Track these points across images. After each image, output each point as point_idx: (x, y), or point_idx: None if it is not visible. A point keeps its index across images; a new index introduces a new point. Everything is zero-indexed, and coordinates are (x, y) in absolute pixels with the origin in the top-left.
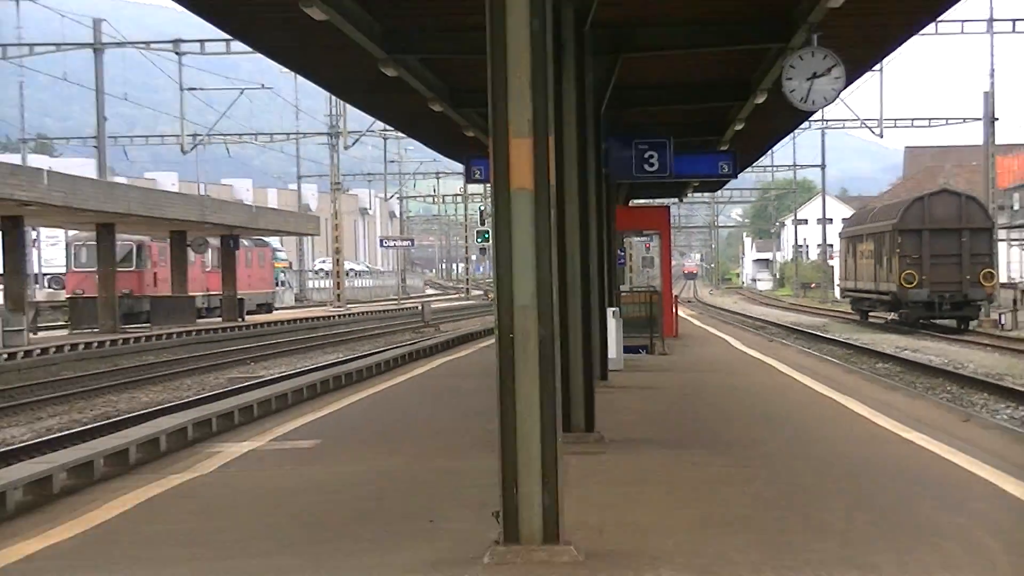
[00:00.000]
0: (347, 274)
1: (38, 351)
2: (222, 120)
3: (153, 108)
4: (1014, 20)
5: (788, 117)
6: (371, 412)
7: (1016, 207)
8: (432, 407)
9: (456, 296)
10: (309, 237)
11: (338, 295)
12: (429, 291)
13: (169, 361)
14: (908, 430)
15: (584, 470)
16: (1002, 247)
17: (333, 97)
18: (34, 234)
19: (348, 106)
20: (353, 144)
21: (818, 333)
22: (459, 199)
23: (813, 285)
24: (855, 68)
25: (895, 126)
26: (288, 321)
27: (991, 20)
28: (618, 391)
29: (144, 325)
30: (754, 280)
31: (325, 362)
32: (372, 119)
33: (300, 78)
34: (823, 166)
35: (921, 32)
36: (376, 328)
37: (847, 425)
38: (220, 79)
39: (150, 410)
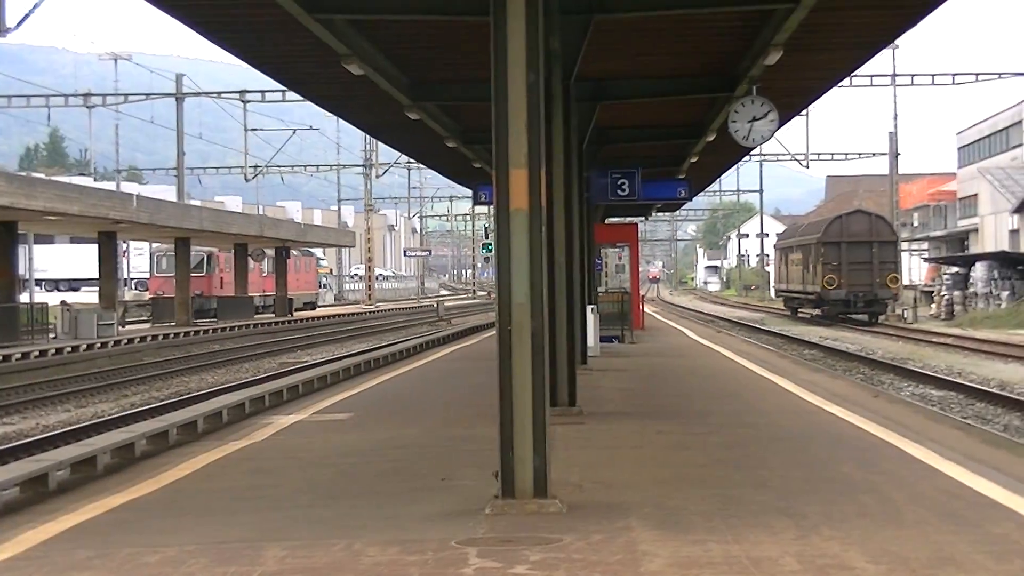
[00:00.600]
0: (377, 278)
1: (125, 341)
2: (278, 155)
3: (223, 145)
4: (912, 75)
5: (733, 152)
6: (396, 390)
7: (915, 224)
8: (444, 386)
9: (465, 296)
10: (347, 248)
11: (369, 295)
12: (443, 292)
13: (232, 349)
14: (830, 404)
15: (568, 438)
16: (904, 256)
17: (367, 136)
18: (124, 246)
19: (379, 143)
20: (383, 174)
21: (757, 326)
22: (468, 218)
23: (753, 287)
24: (786, 112)
25: (819, 159)
26: (328, 317)
27: (894, 75)
28: (596, 373)
29: (212, 320)
30: (706, 283)
31: (358, 349)
32: (398, 153)
33: (341, 120)
34: (760, 191)
35: (839, 84)
36: (400, 322)
37: (781, 400)
38: (277, 122)
39: (214, 389)
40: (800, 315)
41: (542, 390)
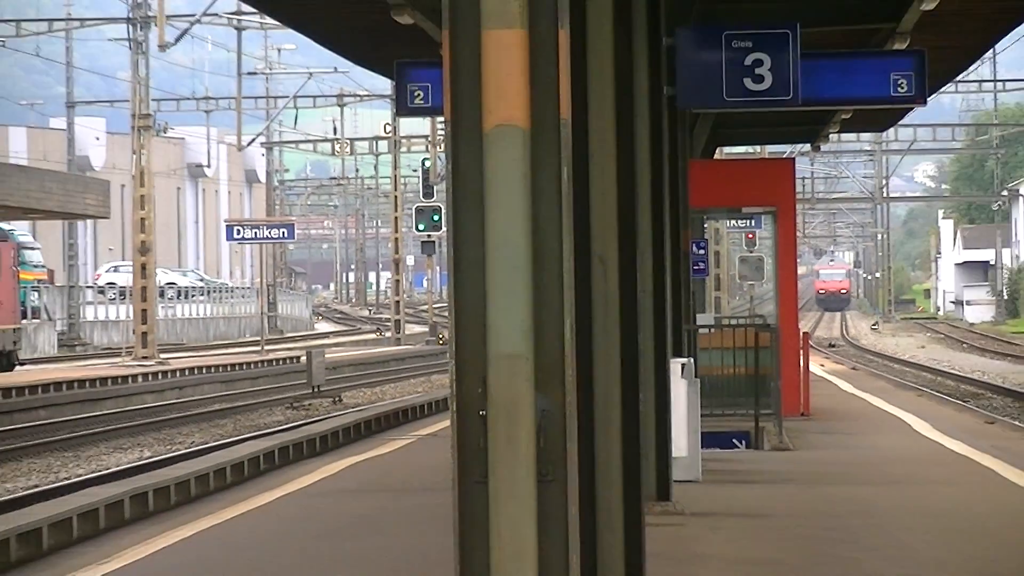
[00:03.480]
0: (163, 294)
1: None
2: None
3: None
4: None
5: None
6: (201, 570)
7: None
8: (329, 558)
9: (376, 337)
10: (89, 221)
11: (144, 336)
12: (324, 327)
13: None
14: None
15: None
16: None
17: None
18: None
19: None
20: (178, 40)
21: None
22: (382, 147)
23: None
24: None
25: None
26: (39, 387)
27: None
28: (692, 521)
29: None
30: (960, 303)
31: (106, 469)
32: None
33: None
34: None
35: None
36: (219, 401)
37: None
38: None
39: None
40: None
41: (563, 571)
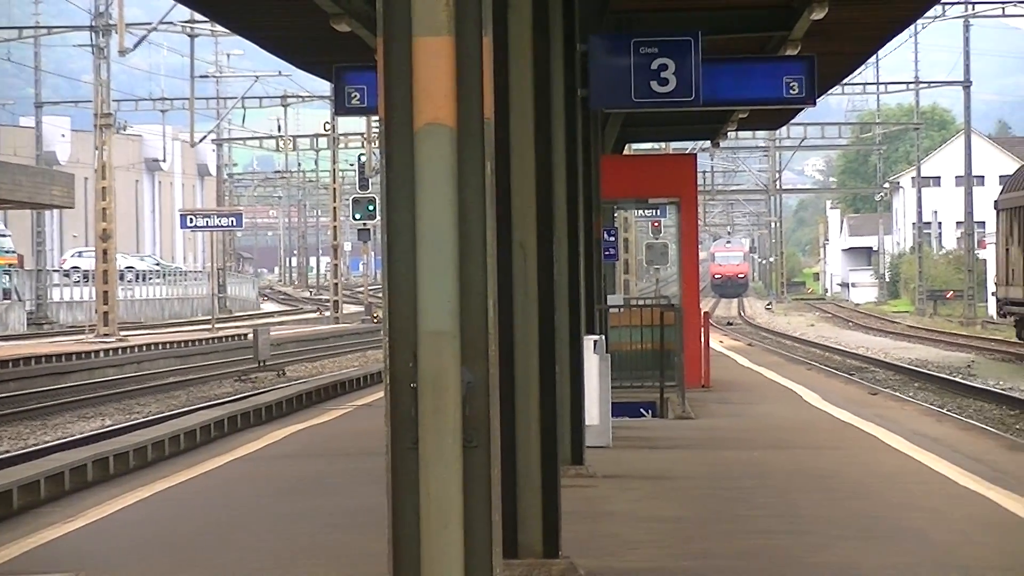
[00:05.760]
0: (123, 277)
1: None
2: None
3: None
4: None
5: None
6: (158, 527)
7: None
8: (273, 515)
9: (317, 316)
10: (55, 211)
11: (106, 315)
12: (269, 307)
13: None
14: None
15: None
16: None
17: None
18: None
19: None
20: (136, 46)
21: (959, 379)
22: (322, 143)
23: (949, 295)
24: None
25: None
26: (10, 362)
27: None
28: (603, 483)
29: None
30: (845, 285)
31: (71, 436)
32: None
33: None
34: (967, 84)
35: None
36: (173, 374)
37: (1017, 547)
38: None
39: None
40: None
41: (487, 524)
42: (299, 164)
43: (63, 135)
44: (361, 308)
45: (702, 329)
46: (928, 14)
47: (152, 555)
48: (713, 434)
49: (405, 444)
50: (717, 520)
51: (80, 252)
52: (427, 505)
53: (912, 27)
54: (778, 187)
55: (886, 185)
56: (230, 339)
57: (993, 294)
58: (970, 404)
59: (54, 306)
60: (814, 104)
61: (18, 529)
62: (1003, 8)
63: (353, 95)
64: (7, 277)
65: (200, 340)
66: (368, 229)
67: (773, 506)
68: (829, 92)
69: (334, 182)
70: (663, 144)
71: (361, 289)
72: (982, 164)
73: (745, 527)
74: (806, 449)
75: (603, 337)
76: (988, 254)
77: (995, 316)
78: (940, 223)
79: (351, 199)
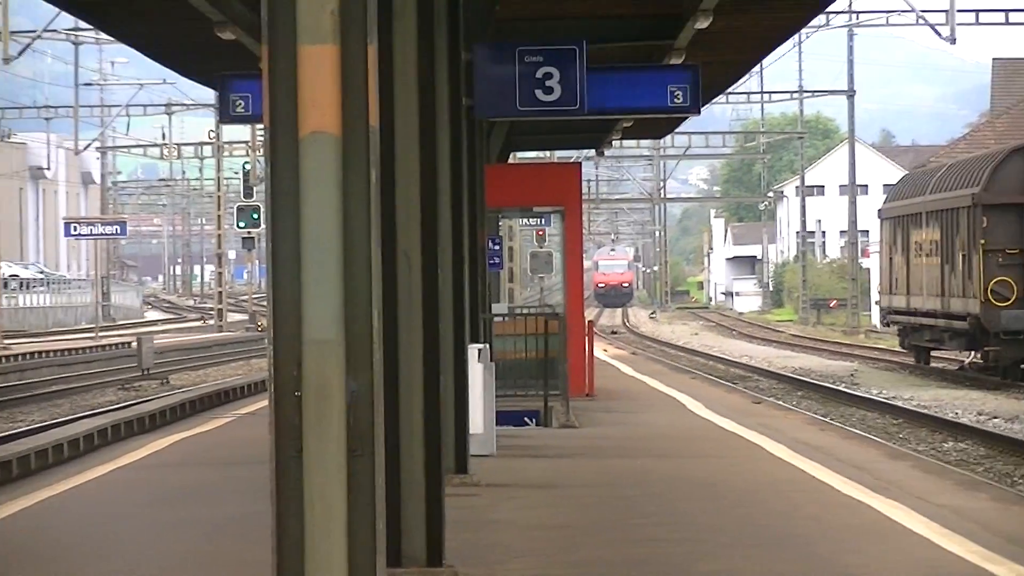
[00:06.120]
0: (6, 285)
1: None
2: None
3: None
4: None
5: (791, 3)
6: (39, 536)
7: None
8: (156, 524)
9: (201, 325)
10: None
11: None
12: (153, 315)
13: None
14: (1018, 567)
15: None
16: None
17: None
18: None
19: None
20: (21, 53)
21: (843, 388)
22: (206, 151)
23: (833, 303)
24: None
25: (976, 23)
26: None
27: None
28: (487, 492)
29: None
30: (729, 294)
31: None
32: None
33: None
34: (851, 93)
35: None
36: (56, 382)
37: (898, 555)
38: None
39: None
40: (936, 364)
41: (371, 533)
42: (184, 172)
43: None
44: (245, 316)
45: (586, 338)
46: (812, 23)
47: (33, 565)
48: (598, 442)
49: (289, 452)
50: (602, 529)
51: None
52: (311, 513)
53: (796, 36)
54: (662, 196)
55: (770, 194)
56: (114, 347)
57: (877, 303)
58: (853, 413)
59: None
60: (698, 113)
61: None
62: (887, 17)
63: (238, 103)
64: None
65: (84, 348)
66: (253, 237)
67: (658, 514)
68: (713, 101)
69: (219, 190)
70: (548, 153)
71: (245, 298)
72: (866, 173)
73: (631, 535)
74: (691, 458)
75: (487, 346)
76: (872, 263)
77: (879, 325)
78: (824, 232)
79: (235, 207)
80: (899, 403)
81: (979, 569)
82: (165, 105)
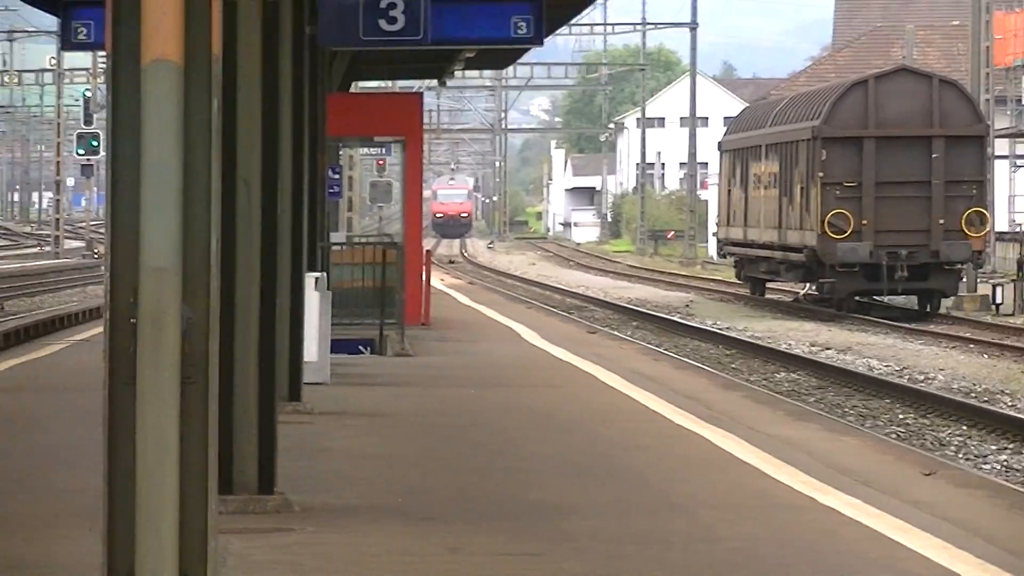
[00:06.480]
0: None
1: None
2: None
3: None
4: None
5: None
6: None
7: None
8: None
9: (37, 251)
10: None
11: None
12: None
13: None
14: (831, 488)
15: (255, 563)
16: (1001, 169)
17: None
18: None
19: None
20: None
21: (677, 319)
22: (47, 78)
23: (671, 235)
24: None
25: None
26: None
27: None
28: (320, 420)
29: None
30: (568, 224)
31: None
32: None
33: None
34: (693, 25)
35: None
36: None
37: (720, 479)
38: None
39: None
40: (772, 295)
41: (202, 459)
42: (23, 99)
43: None
44: (83, 243)
45: (424, 267)
46: None
47: None
48: (432, 372)
49: (122, 379)
50: (435, 457)
51: None
52: (143, 441)
53: None
54: (504, 127)
55: (611, 126)
56: None
57: (714, 235)
58: (687, 343)
59: None
60: (541, 44)
61: None
62: None
63: (80, 30)
64: None
65: None
66: (92, 165)
67: (490, 443)
68: (556, 32)
69: (59, 117)
70: (390, 82)
71: (83, 225)
72: (707, 105)
73: (462, 464)
74: (525, 387)
75: (324, 274)
76: (710, 195)
77: (715, 256)
78: (664, 164)
79: (76, 134)
80: (733, 334)
81: (809, 499)
82: (7, 32)
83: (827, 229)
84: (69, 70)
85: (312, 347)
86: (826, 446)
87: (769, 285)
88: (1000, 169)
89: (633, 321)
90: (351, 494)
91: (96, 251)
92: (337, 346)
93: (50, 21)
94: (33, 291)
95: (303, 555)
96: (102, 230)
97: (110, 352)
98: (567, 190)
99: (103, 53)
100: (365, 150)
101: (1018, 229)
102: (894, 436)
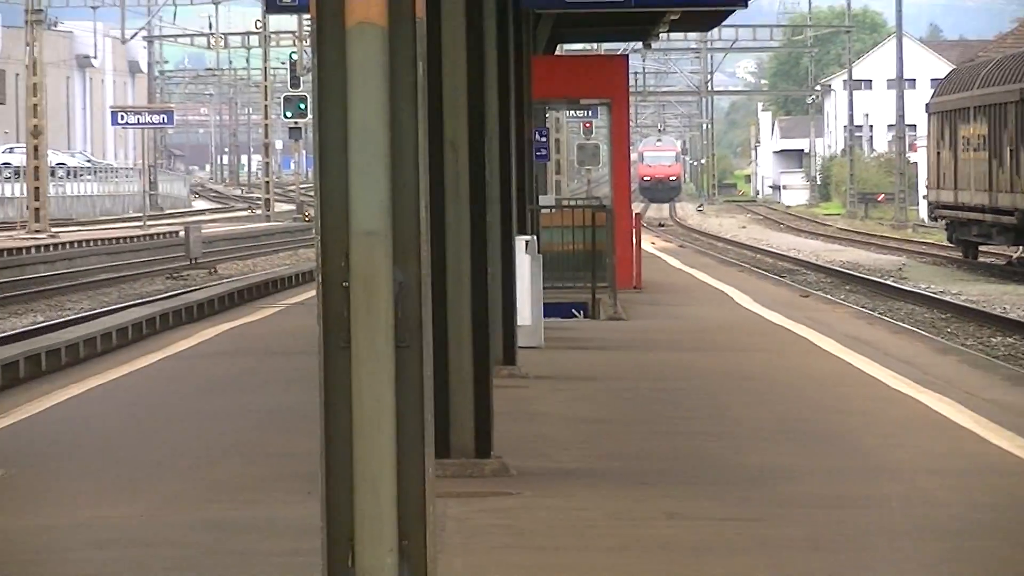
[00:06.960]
0: (54, 174)
1: None
2: None
3: None
4: None
5: None
6: (88, 424)
7: None
8: (202, 413)
9: (248, 214)
10: None
11: (36, 211)
12: (200, 205)
13: None
14: None
15: (474, 527)
16: None
17: None
18: None
19: None
20: None
21: (891, 282)
22: (253, 41)
23: (881, 198)
24: None
25: None
26: None
27: None
28: (535, 384)
29: None
30: (777, 187)
31: (2, 332)
32: None
33: None
34: None
35: None
36: (105, 271)
37: (945, 449)
38: None
39: None
40: (984, 259)
41: (419, 424)
42: (230, 62)
43: None
44: (292, 207)
45: (633, 230)
46: None
47: (81, 452)
48: (644, 335)
49: (337, 344)
50: (646, 421)
51: (11, 148)
52: (359, 405)
53: None
54: (710, 89)
55: (817, 88)
56: (162, 236)
57: (924, 197)
58: (901, 307)
59: None
60: (745, 6)
61: None
62: None
63: None
64: None
65: (132, 237)
66: (300, 128)
67: (703, 408)
68: None
69: (265, 80)
70: (595, 45)
71: (292, 188)
72: (914, 67)
73: (676, 428)
74: (738, 351)
75: (535, 237)
76: (919, 157)
77: (926, 219)
78: (871, 126)
79: (283, 97)
80: (947, 298)
81: None
82: None
83: None
84: (275, 33)
85: (525, 311)
86: None
87: (981, 248)
88: None
89: (846, 285)
90: (567, 458)
91: (306, 214)
92: (550, 310)
93: None
94: (245, 254)
95: (522, 519)
96: (311, 193)
97: (324, 316)
98: (775, 152)
99: (308, 16)
100: (572, 113)
101: None
102: None
